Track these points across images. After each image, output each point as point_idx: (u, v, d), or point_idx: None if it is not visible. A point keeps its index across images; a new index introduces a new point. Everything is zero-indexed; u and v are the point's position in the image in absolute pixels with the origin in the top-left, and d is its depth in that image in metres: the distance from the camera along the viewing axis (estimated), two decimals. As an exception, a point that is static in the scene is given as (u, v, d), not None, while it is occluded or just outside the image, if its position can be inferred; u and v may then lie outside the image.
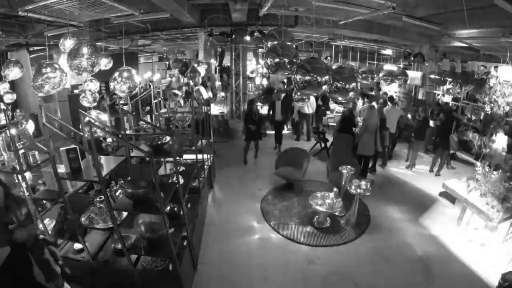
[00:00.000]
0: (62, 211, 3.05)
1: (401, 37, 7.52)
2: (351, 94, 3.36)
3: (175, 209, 3.20)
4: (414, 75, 8.86)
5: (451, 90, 7.56)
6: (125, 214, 2.92)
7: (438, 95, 8.47)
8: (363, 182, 4.46)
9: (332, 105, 10.11)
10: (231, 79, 8.84)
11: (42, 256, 1.71)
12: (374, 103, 7.10)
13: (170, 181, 3.30)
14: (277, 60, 3.39)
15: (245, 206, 5.07)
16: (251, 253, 3.94)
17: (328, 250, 4.03)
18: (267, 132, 8.66)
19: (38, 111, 7.82)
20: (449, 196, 5.06)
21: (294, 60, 3.39)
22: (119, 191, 3.00)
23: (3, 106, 5.26)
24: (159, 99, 8.39)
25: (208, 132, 5.93)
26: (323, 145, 7.64)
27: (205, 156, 5.30)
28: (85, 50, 3.25)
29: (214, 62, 10.01)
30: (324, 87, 3.26)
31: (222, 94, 11.32)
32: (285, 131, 9.52)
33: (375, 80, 7.08)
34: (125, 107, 6.59)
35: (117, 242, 3.01)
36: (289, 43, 3.88)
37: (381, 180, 6.15)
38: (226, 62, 11.68)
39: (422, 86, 8.89)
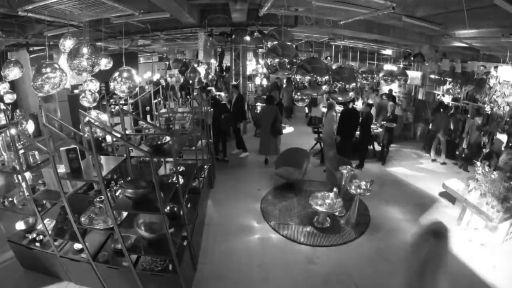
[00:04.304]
0: (62, 211, 3.06)
1: (401, 37, 7.52)
2: (350, 94, 3.36)
3: (175, 209, 3.20)
4: (414, 75, 8.86)
5: (451, 90, 7.56)
6: (125, 214, 2.92)
7: (438, 95, 8.48)
8: (363, 182, 4.46)
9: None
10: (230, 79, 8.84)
11: None
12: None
13: (170, 181, 3.30)
14: (277, 60, 3.39)
15: (245, 206, 5.07)
16: (251, 253, 3.94)
17: (328, 250, 4.03)
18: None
19: (38, 111, 7.82)
20: (449, 196, 5.06)
21: (294, 60, 3.39)
22: (119, 191, 3.00)
23: (3, 106, 5.27)
24: (159, 99, 8.39)
25: (208, 132, 5.92)
26: (323, 145, 7.64)
27: (205, 156, 5.30)
28: (85, 50, 3.25)
29: (214, 62, 10.00)
30: (324, 87, 3.26)
31: (222, 94, 11.28)
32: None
33: (375, 80, 7.09)
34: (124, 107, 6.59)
35: (117, 242, 3.02)
36: (289, 43, 3.88)
37: (381, 180, 6.14)
38: (226, 62, 11.67)
39: (422, 86, 8.90)
